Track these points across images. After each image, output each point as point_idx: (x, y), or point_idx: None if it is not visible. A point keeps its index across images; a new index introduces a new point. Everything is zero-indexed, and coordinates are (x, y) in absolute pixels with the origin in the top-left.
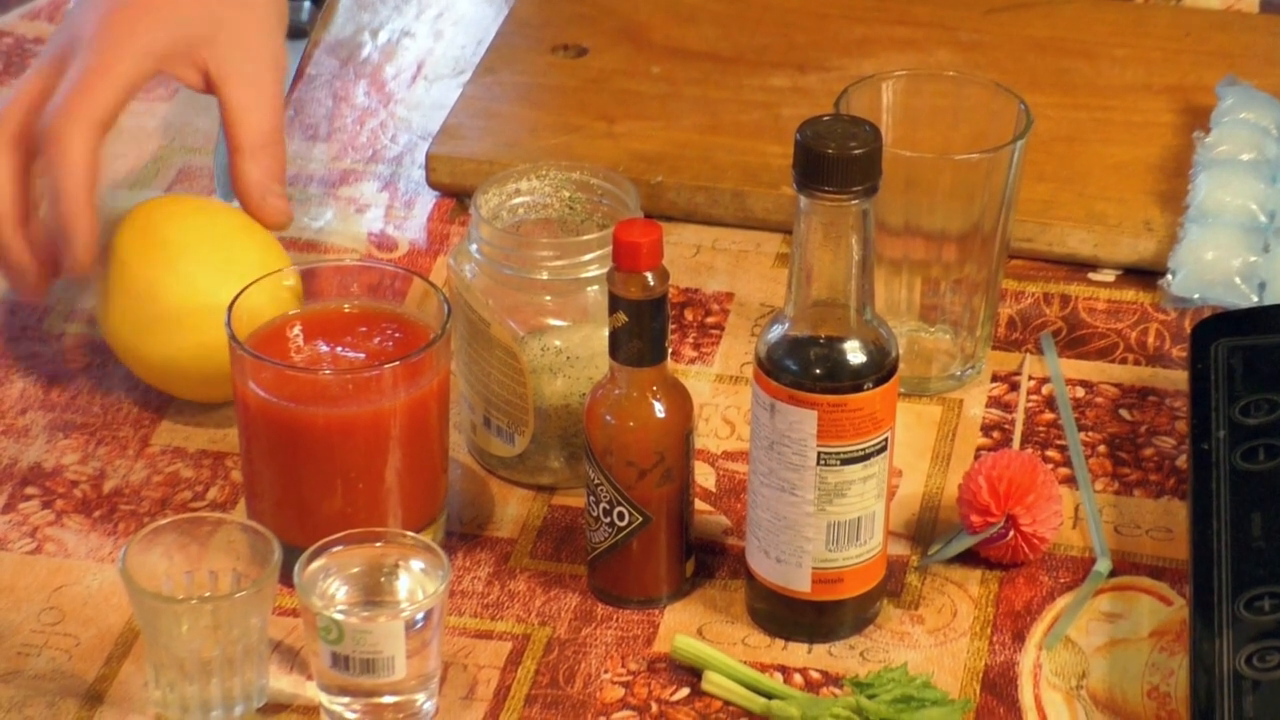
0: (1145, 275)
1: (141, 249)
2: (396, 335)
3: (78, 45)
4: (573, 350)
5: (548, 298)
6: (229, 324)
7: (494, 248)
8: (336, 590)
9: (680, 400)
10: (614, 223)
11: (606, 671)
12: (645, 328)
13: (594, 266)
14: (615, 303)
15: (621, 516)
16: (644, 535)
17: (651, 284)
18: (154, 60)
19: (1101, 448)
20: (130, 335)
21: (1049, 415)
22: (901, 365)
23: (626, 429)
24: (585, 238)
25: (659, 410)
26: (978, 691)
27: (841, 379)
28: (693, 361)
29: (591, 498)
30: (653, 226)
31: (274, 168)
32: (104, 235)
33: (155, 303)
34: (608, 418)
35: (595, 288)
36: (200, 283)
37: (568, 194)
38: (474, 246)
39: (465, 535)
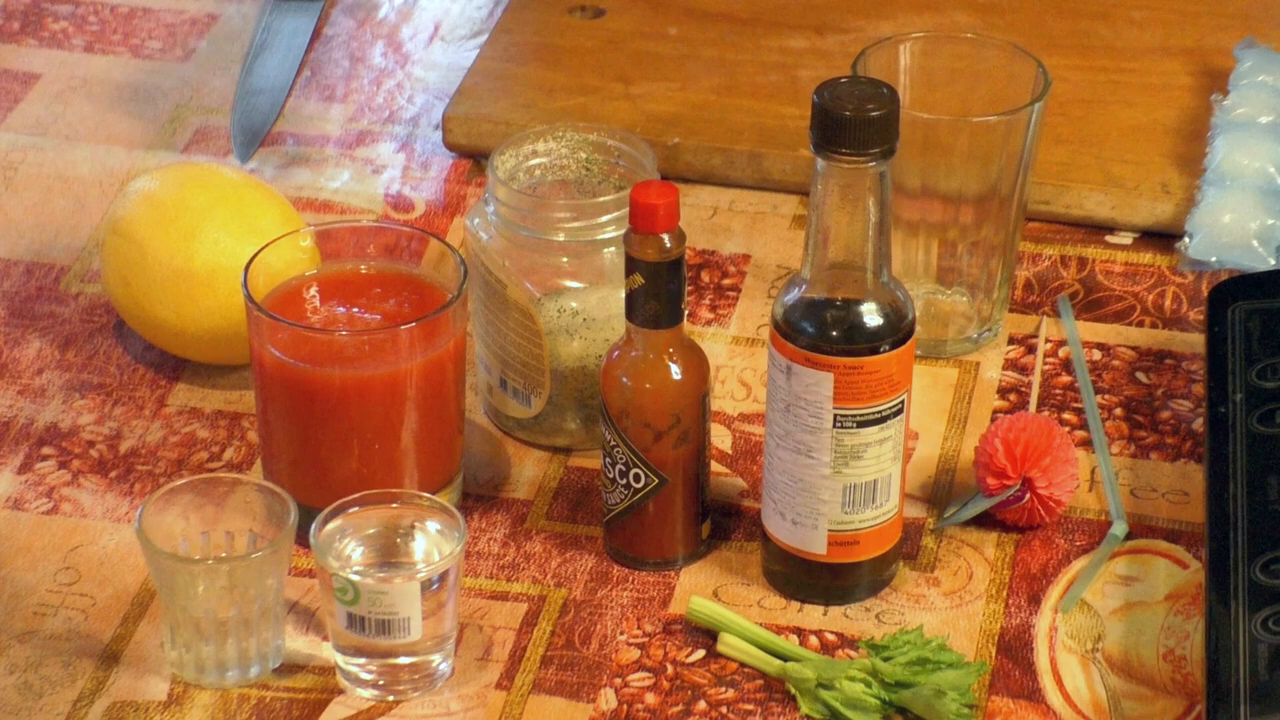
0: (1163, 238)
1: (157, 218)
2: (413, 296)
3: None
4: (589, 312)
5: (564, 259)
6: (245, 285)
7: (511, 209)
8: (352, 551)
9: (697, 362)
10: (631, 184)
11: (622, 633)
12: (662, 289)
13: (611, 228)
14: (632, 264)
15: (638, 478)
16: (660, 497)
17: (668, 246)
18: None
19: (1118, 410)
20: (151, 303)
21: (1066, 378)
22: (918, 328)
23: (643, 391)
24: (602, 199)
25: (675, 372)
26: (993, 654)
27: (858, 341)
28: (709, 323)
29: (608, 459)
30: (669, 188)
31: None
32: (112, 208)
33: (179, 269)
34: (624, 379)
35: (612, 249)
36: (225, 245)
37: (584, 155)
38: (490, 208)
39: (481, 497)
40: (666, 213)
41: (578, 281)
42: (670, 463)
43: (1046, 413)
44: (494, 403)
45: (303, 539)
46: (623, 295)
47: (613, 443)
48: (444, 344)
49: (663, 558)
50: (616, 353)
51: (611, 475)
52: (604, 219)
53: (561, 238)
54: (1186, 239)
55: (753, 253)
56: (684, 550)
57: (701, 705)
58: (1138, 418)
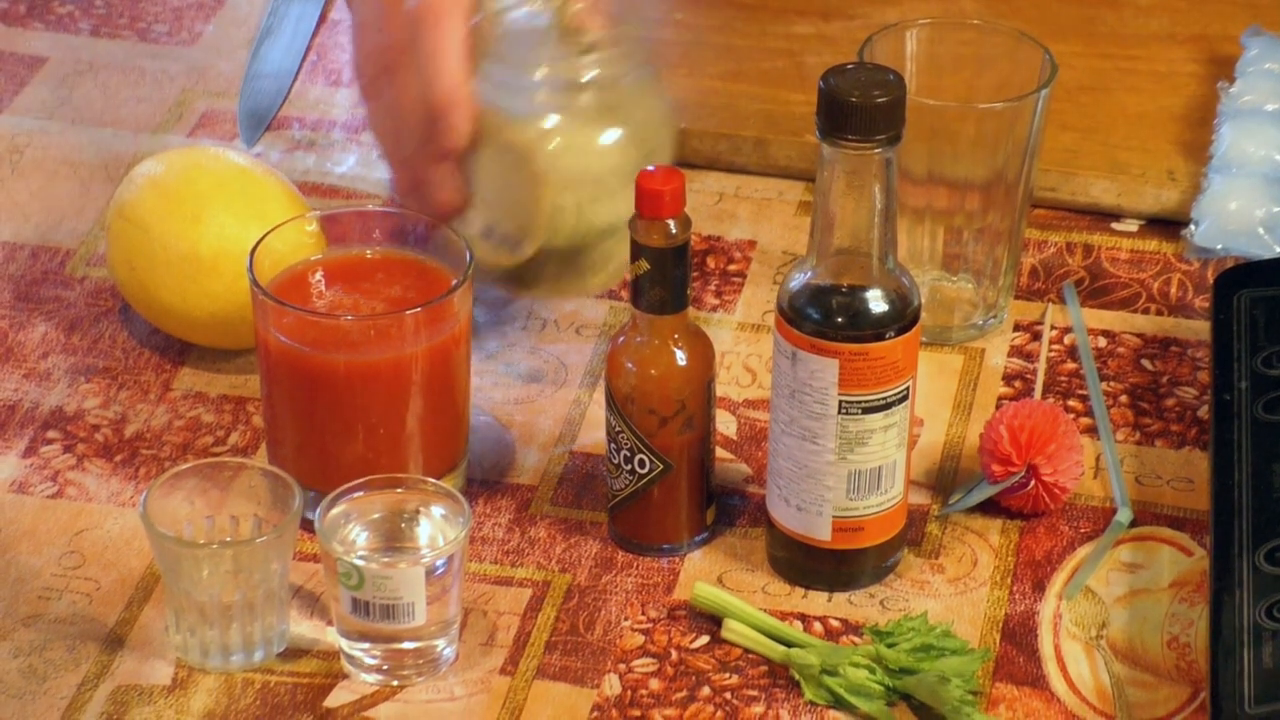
0: (1168, 225)
1: (163, 202)
2: (418, 281)
3: None
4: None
5: (540, 96)
6: (251, 269)
7: (490, 54)
8: (357, 536)
9: (702, 348)
10: (619, 23)
11: (626, 619)
12: (668, 275)
13: (592, 69)
14: (637, 250)
15: (643, 464)
16: (665, 483)
17: (674, 231)
18: None
19: (1123, 398)
20: (157, 287)
21: (1071, 365)
22: (924, 314)
23: (648, 377)
24: (586, 38)
25: (681, 358)
26: (997, 641)
27: (863, 328)
28: (715, 309)
29: (612, 445)
30: (675, 174)
31: None
32: (117, 192)
33: (185, 253)
34: (629, 365)
35: (589, 93)
36: (230, 229)
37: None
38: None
39: (486, 482)
40: (672, 198)
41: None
42: (675, 448)
43: (1052, 400)
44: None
45: (307, 523)
46: (603, 140)
47: (617, 428)
48: (449, 329)
49: (668, 543)
50: (622, 338)
51: (616, 461)
52: (587, 59)
53: (541, 75)
54: (1192, 226)
55: (758, 239)
56: (689, 536)
57: (705, 691)
58: (1143, 405)
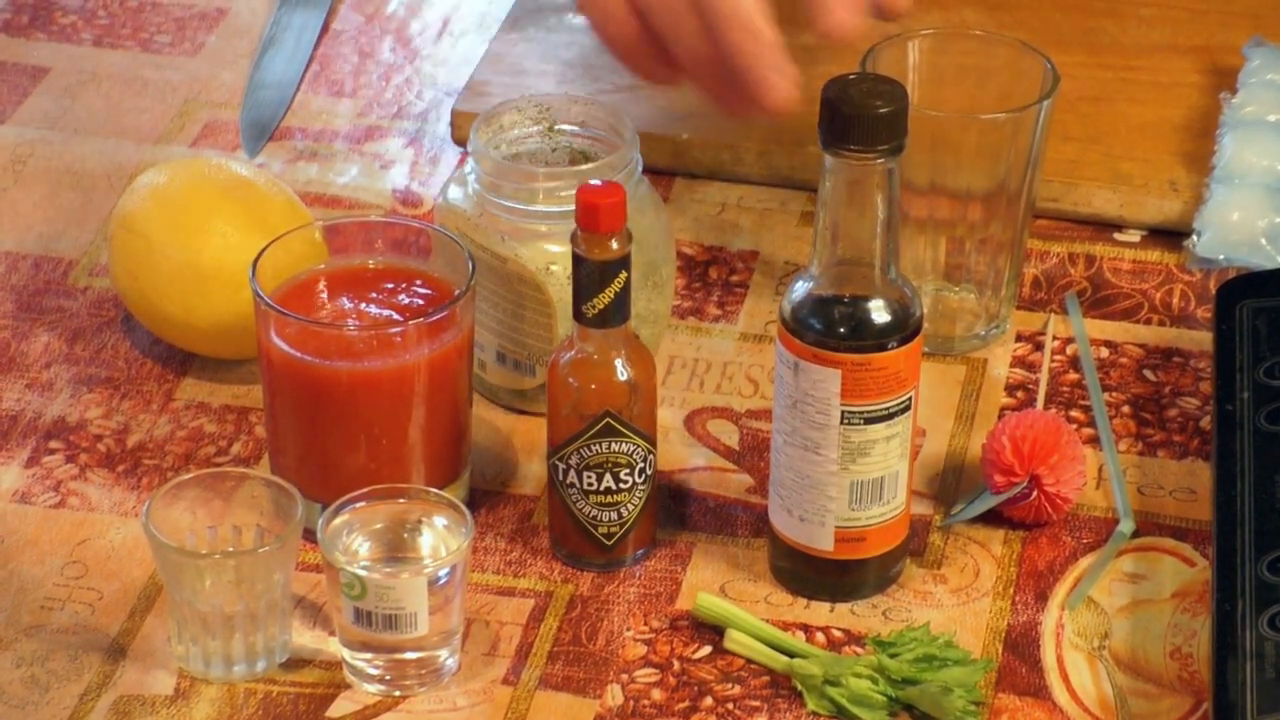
0: (1170, 236)
1: (165, 212)
2: (421, 291)
3: None
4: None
5: (544, 228)
6: (254, 279)
7: (493, 180)
8: (359, 546)
9: (643, 360)
10: (609, 149)
11: (629, 629)
12: (609, 288)
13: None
14: (578, 263)
15: (652, 464)
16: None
17: (614, 246)
18: None
19: (1125, 408)
20: (159, 297)
21: (1073, 375)
22: (926, 324)
23: (589, 390)
24: (586, 166)
25: (622, 371)
26: (1000, 651)
27: (865, 338)
28: (717, 320)
29: (616, 472)
30: (616, 188)
31: None
32: (120, 202)
33: (187, 263)
34: (571, 380)
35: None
36: (233, 239)
37: (546, 125)
38: (472, 176)
39: (489, 492)
40: (611, 212)
41: (559, 247)
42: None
43: (1054, 410)
44: (486, 378)
45: (310, 534)
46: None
47: (629, 449)
48: (451, 339)
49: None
50: (563, 353)
51: (627, 484)
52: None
53: (544, 207)
54: (1194, 237)
55: (761, 249)
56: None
57: (708, 701)
58: (1145, 415)
